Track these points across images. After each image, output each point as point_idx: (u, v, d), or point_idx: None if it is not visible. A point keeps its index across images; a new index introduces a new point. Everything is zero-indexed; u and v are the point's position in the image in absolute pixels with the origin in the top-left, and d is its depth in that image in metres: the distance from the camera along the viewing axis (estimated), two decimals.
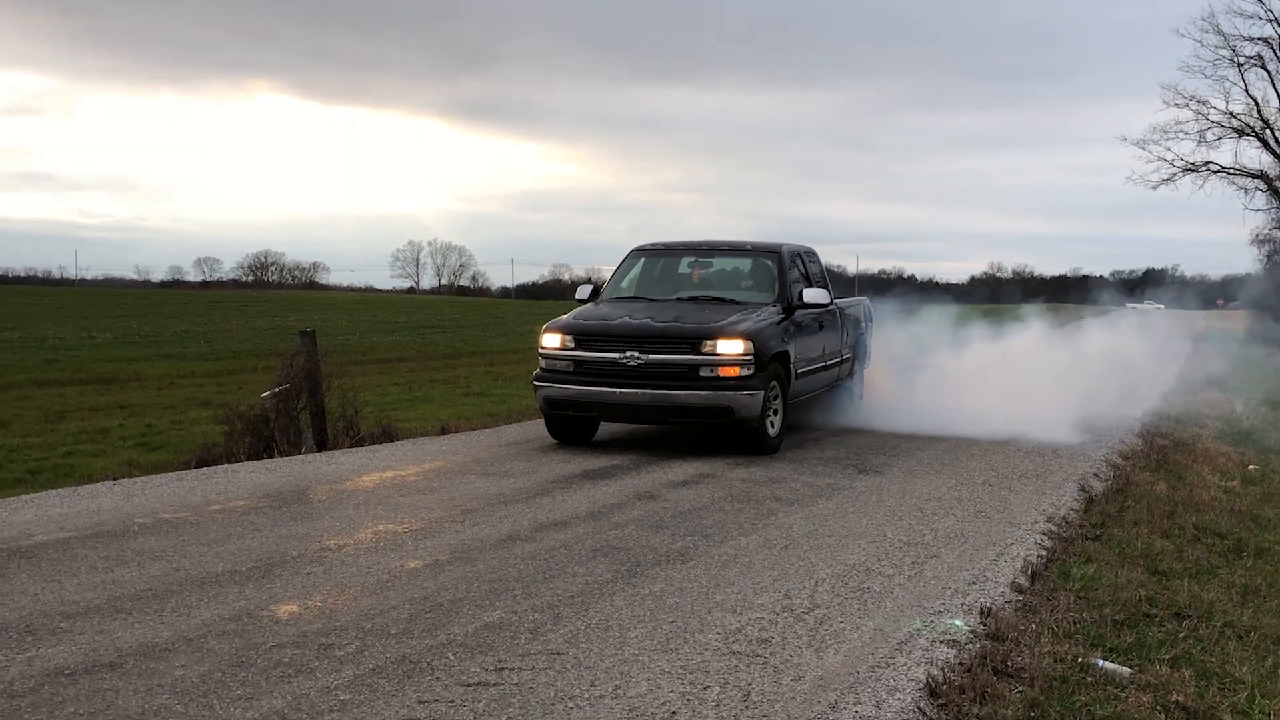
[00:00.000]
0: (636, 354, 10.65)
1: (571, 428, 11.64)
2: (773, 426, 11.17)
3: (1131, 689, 5.14)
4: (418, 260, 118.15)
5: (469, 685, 4.69)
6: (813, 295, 11.95)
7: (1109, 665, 5.41)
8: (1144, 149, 44.48)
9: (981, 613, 5.94)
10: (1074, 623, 5.99)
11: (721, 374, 10.54)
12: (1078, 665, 5.31)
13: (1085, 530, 8.32)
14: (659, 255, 13.13)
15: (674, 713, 4.47)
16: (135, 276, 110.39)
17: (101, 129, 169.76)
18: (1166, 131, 44.28)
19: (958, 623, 5.84)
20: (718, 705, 4.56)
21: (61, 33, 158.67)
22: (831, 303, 12.90)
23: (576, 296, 12.80)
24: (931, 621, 5.83)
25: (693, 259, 13.04)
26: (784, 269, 12.28)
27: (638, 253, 13.16)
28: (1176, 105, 43.99)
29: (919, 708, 4.63)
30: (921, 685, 4.85)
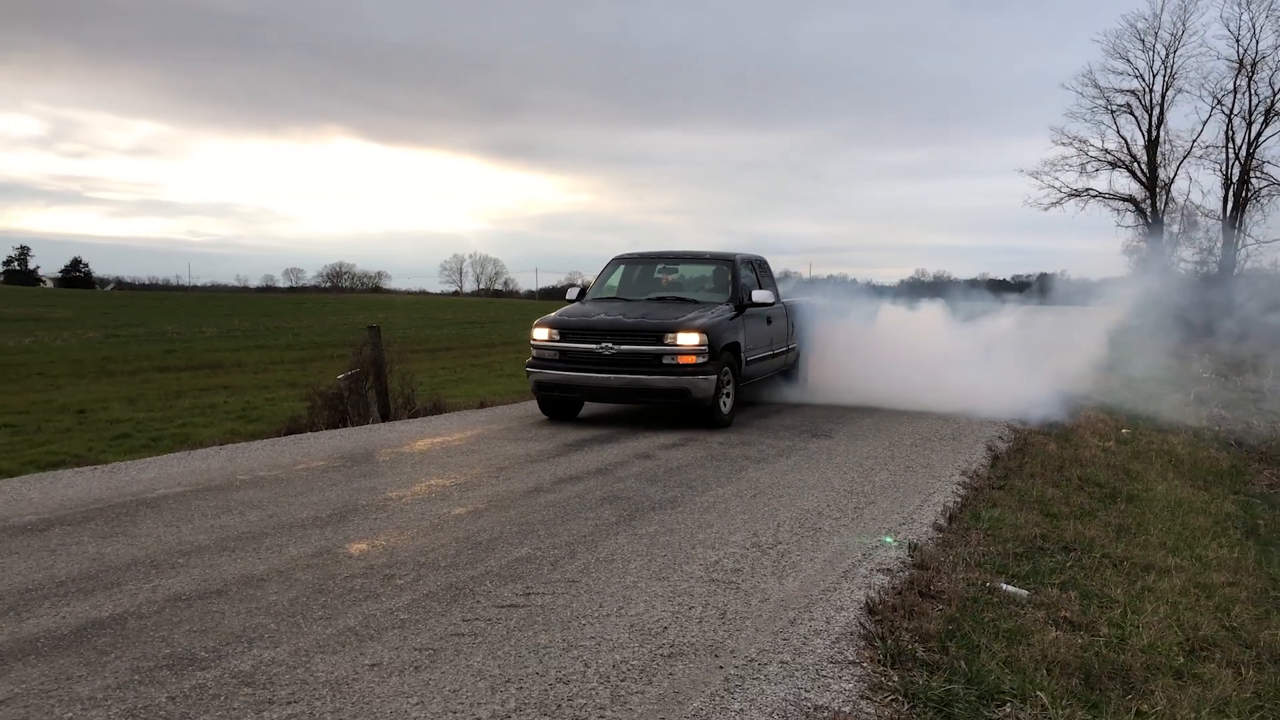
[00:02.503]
0: (611, 344, 10.29)
1: (559, 406, 11.27)
2: (725, 405, 10.78)
3: (1029, 607, 5.15)
4: (461, 269, 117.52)
5: (503, 606, 4.69)
6: (760, 295, 11.51)
7: (1011, 588, 5.41)
8: (1037, 178, 44.37)
9: (910, 547, 5.94)
10: (983, 555, 6.00)
11: (681, 361, 10.18)
12: (986, 589, 5.31)
13: (992, 481, 8.32)
14: (635, 262, 12.54)
15: (665, 628, 4.46)
16: (236, 283, 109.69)
17: (207, 166, 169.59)
18: (1055, 164, 44.21)
19: (888, 539, 6.02)
20: (700, 622, 4.55)
21: (173, 88, 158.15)
22: (777, 301, 12.47)
23: (566, 296, 12.28)
24: (872, 538, 5.93)
25: (662, 265, 12.55)
26: (737, 274, 11.76)
27: (617, 260, 12.62)
28: (1063, 144, 43.90)
29: (860, 622, 4.62)
30: (862, 605, 4.85)
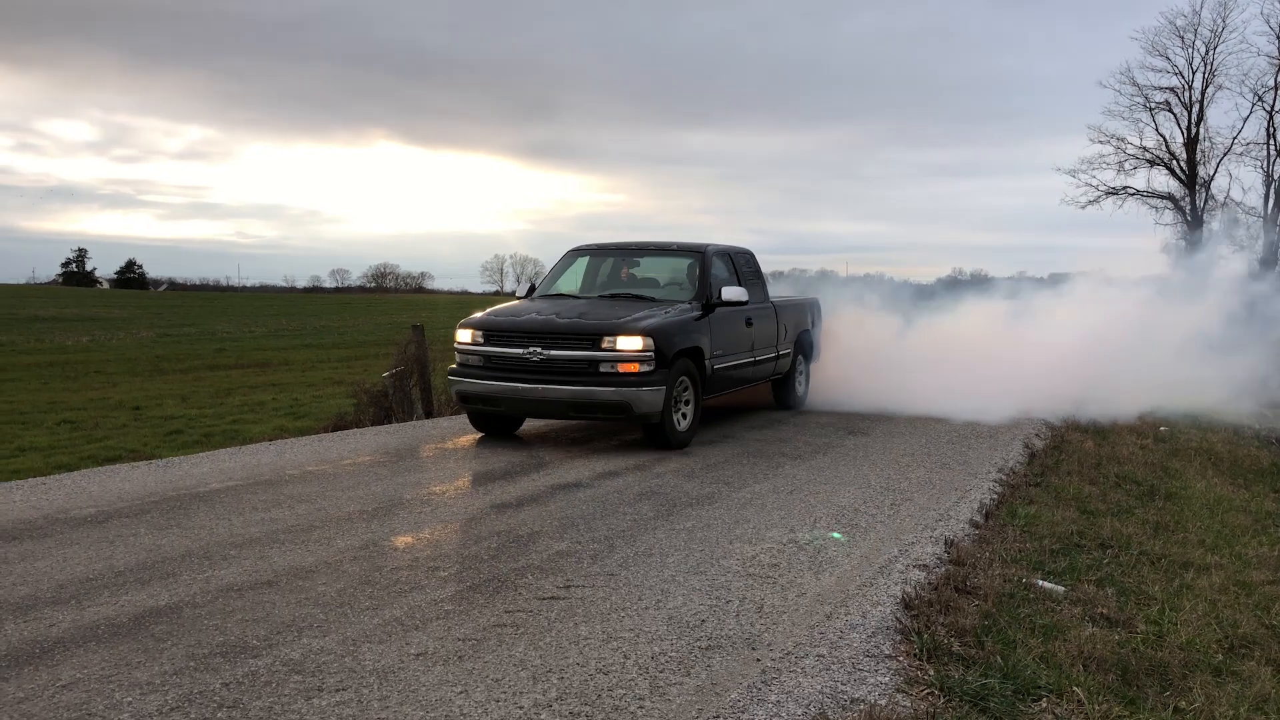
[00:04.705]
0: (540, 349, 8.69)
1: (490, 421, 9.70)
2: (682, 422, 9.11)
3: (1065, 604, 5.09)
4: (501, 269, 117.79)
5: (544, 599, 4.73)
6: (731, 293, 9.81)
7: (1047, 584, 5.36)
8: (1074, 176, 43.64)
9: (946, 543, 5.90)
10: (1019, 551, 5.94)
11: (621, 370, 8.55)
12: (1022, 584, 5.26)
13: (1028, 478, 8.23)
14: (593, 254, 10.88)
15: (703, 620, 4.47)
16: (284, 284, 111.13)
17: (254, 169, 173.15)
18: (1092, 163, 43.45)
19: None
20: (738, 615, 4.56)
21: (220, 93, 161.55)
22: (765, 300, 11.15)
23: (516, 294, 10.69)
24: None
25: (622, 258, 10.85)
26: (706, 268, 10.04)
27: (575, 252, 10.95)
28: (1100, 142, 43.21)
29: (896, 617, 4.61)
30: (898, 600, 4.83)
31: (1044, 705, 3.87)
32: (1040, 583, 5.36)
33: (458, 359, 9.37)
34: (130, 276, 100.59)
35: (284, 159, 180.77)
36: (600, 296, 10.11)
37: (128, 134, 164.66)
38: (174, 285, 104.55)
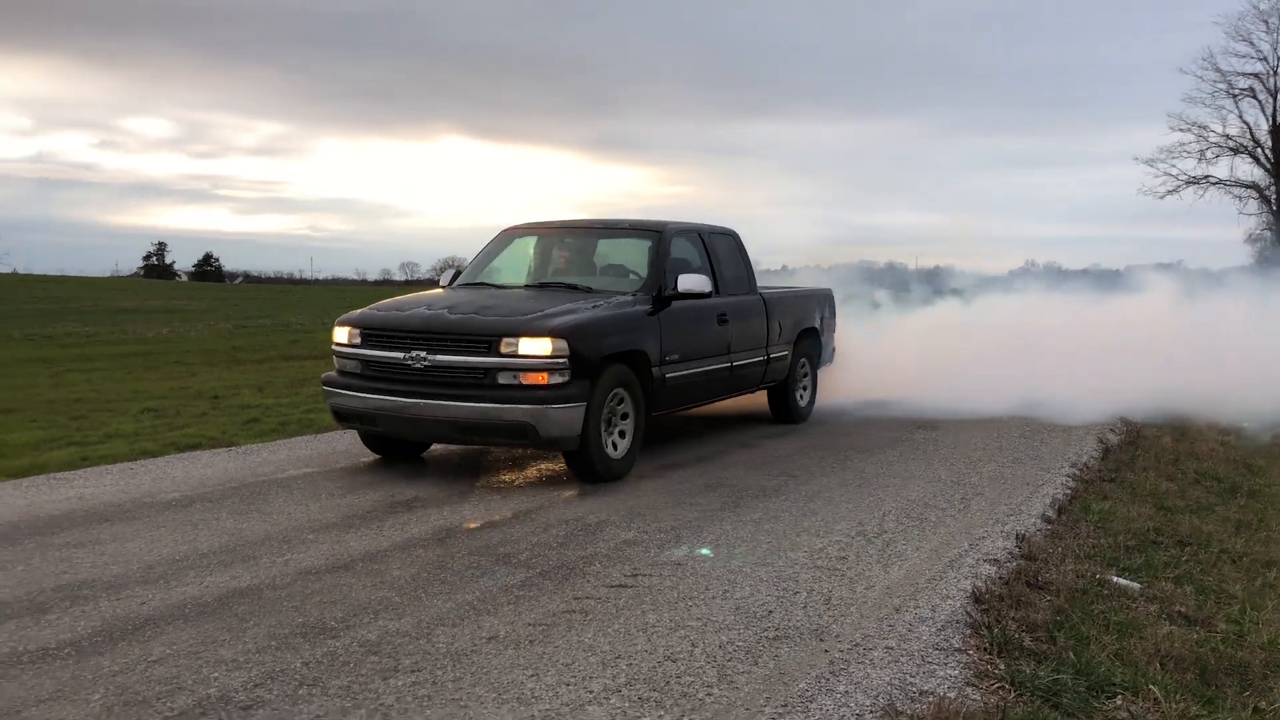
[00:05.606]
0: (424, 354, 6.90)
1: (384, 443, 7.82)
2: (617, 445, 7.21)
3: (1141, 600, 4.99)
4: None
5: (612, 586, 4.78)
6: (689, 282, 7.89)
7: (1122, 581, 5.26)
8: (1152, 166, 42.54)
9: (1017, 538, 5.82)
10: (1093, 547, 5.83)
11: (525, 381, 6.69)
12: (1096, 580, 5.17)
13: (1103, 474, 8.06)
14: (531, 236, 9.20)
15: (770, 611, 4.49)
16: (355, 277, 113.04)
17: (326, 164, 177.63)
18: (1172, 151, 42.31)
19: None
20: (805, 607, 4.56)
21: (293, 90, 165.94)
22: (747, 291, 9.36)
23: (440, 282, 9.00)
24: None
25: (559, 240, 9.13)
26: (661, 252, 8.14)
27: (508, 233, 9.21)
28: (1181, 130, 41.99)
29: (966, 611, 4.57)
30: (968, 594, 4.78)
31: (1119, 702, 3.81)
32: (1115, 579, 5.26)
33: (335, 364, 7.60)
34: (207, 269, 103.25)
35: (355, 154, 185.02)
36: (526, 286, 8.39)
37: (205, 130, 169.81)
38: (249, 278, 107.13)
